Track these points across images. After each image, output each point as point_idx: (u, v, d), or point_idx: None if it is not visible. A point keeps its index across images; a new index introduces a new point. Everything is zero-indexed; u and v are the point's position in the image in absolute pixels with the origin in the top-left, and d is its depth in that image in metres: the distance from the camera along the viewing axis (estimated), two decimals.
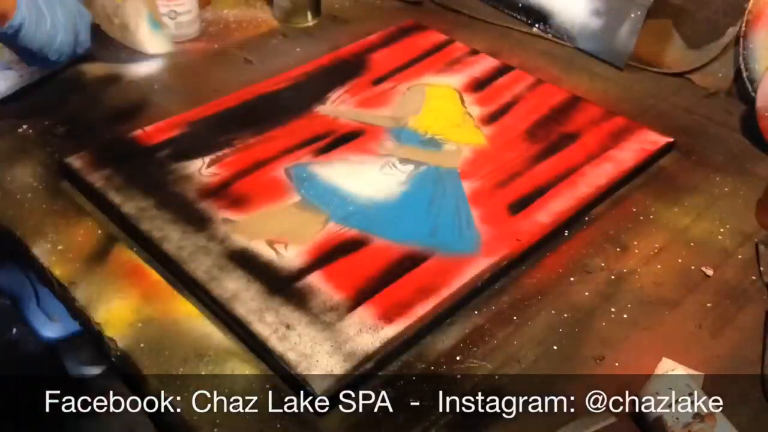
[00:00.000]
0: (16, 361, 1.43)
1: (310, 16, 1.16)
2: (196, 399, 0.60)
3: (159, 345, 0.64)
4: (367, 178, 0.82)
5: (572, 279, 0.73)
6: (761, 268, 0.75)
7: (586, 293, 0.72)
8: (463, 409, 0.61)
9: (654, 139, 0.90)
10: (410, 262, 0.71)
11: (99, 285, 0.70)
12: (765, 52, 0.96)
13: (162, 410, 0.62)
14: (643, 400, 0.58)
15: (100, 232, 0.76)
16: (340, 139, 0.88)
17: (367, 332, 0.64)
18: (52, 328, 1.22)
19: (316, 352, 0.62)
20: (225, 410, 0.59)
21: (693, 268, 0.75)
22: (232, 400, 0.60)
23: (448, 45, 1.09)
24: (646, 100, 1.02)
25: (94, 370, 1.45)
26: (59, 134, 0.89)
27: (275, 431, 0.58)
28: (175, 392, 0.60)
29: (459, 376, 0.63)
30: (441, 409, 0.60)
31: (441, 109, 0.95)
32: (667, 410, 0.56)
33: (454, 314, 0.69)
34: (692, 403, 0.55)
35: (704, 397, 0.56)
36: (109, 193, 0.78)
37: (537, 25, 1.16)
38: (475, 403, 0.61)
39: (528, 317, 0.69)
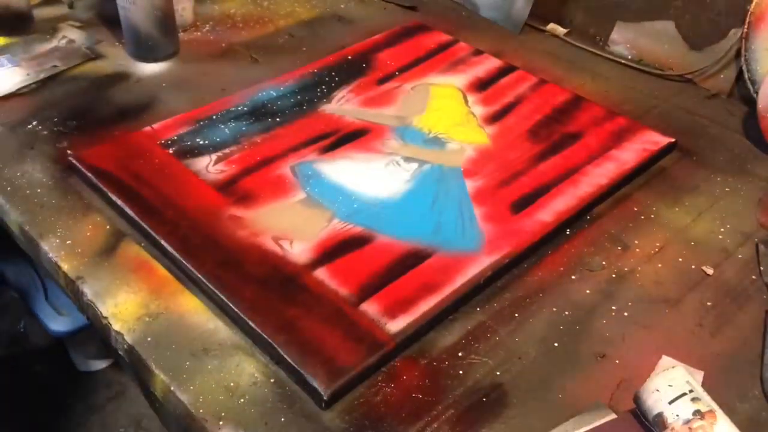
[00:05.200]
0: (25, 355, 1.44)
1: None
2: (202, 393, 0.61)
3: (166, 339, 0.65)
4: (371, 176, 0.83)
5: (573, 277, 0.74)
6: (761, 268, 0.76)
7: (587, 291, 0.73)
8: (465, 404, 0.61)
9: (656, 140, 0.90)
10: (413, 259, 0.72)
11: (107, 280, 0.71)
12: (767, 54, 0.96)
13: (168, 404, 0.63)
14: (644, 397, 0.58)
15: (108, 227, 0.77)
16: (345, 138, 0.89)
17: (371, 328, 0.65)
18: (60, 321, 1.22)
19: (320, 346, 0.63)
20: (230, 404, 0.60)
21: (693, 267, 0.76)
22: (237, 393, 0.61)
23: (453, 45, 1.09)
24: (648, 101, 1.02)
25: (102, 364, 1.46)
26: (68, 130, 0.90)
27: (280, 425, 0.59)
28: (181, 386, 0.61)
29: (461, 372, 0.64)
30: (443, 405, 0.61)
31: (445, 109, 0.96)
32: (668, 407, 0.56)
33: (456, 311, 0.69)
34: (692, 400, 0.55)
35: (704, 395, 0.57)
36: (117, 189, 0.79)
37: None
38: (477, 398, 0.62)
39: (529, 314, 0.70)
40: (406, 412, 0.60)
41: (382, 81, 1.00)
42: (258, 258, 0.72)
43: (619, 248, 0.78)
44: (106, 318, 0.67)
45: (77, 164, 0.82)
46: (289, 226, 0.75)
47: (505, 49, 1.12)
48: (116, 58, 1.05)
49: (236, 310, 0.66)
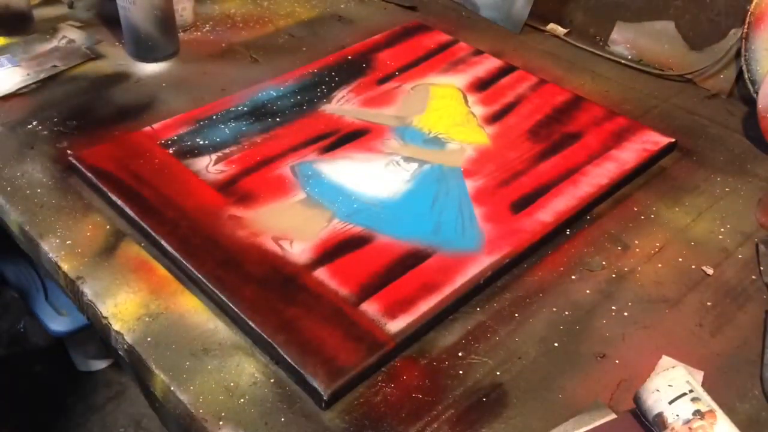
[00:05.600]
0: (25, 355, 1.44)
1: None
2: (202, 393, 0.61)
3: (166, 339, 0.65)
4: (371, 176, 0.83)
5: (573, 277, 0.74)
6: (761, 268, 0.76)
7: (587, 291, 0.73)
8: (465, 404, 0.61)
9: (656, 139, 0.91)
10: (413, 259, 0.72)
11: (107, 280, 0.71)
12: (767, 54, 0.96)
13: (168, 404, 0.63)
14: (644, 397, 0.58)
15: (108, 227, 0.77)
16: (345, 138, 0.89)
17: (371, 328, 0.65)
18: (60, 321, 1.22)
19: (320, 347, 0.63)
20: (230, 404, 0.60)
21: (693, 267, 0.76)
22: (237, 393, 0.61)
23: (453, 45, 1.09)
24: (648, 101, 1.02)
25: (101, 364, 1.46)
26: (68, 130, 0.90)
27: (279, 425, 0.59)
28: (181, 386, 0.61)
29: (461, 372, 0.64)
30: (443, 405, 0.61)
31: (445, 109, 0.96)
32: (668, 407, 0.56)
33: (456, 311, 0.69)
34: (692, 400, 0.56)
35: (704, 395, 0.57)
36: (117, 189, 0.79)
37: None
38: (477, 398, 0.62)
39: (529, 314, 0.70)
40: (406, 412, 0.60)
41: (382, 81, 1.01)
42: (258, 258, 0.72)
43: (619, 248, 0.78)
44: (106, 318, 0.67)
45: (77, 164, 0.82)
46: (289, 226, 0.76)
47: (505, 49, 1.12)
48: (116, 58, 1.05)
49: (236, 310, 0.66)
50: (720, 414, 0.55)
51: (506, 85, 1.01)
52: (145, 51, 1.03)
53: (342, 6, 1.23)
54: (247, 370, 0.63)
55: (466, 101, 0.97)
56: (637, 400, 0.59)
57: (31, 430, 1.38)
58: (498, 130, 0.92)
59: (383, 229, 0.76)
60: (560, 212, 0.79)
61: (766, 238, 0.79)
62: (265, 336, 0.64)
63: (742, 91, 1.01)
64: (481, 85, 1.00)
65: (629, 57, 1.11)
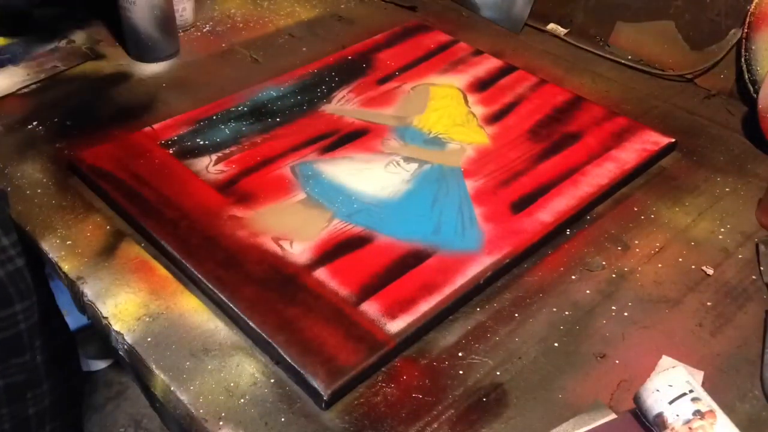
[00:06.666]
0: None
1: None
2: (202, 393, 0.61)
3: (166, 339, 0.65)
4: (371, 176, 0.83)
5: (573, 277, 0.74)
6: (761, 268, 0.76)
7: (587, 291, 0.73)
8: (465, 404, 0.61)
9: (656, 140, 0.91)
10: (413, 259, 0.72)
11: (107, 280, 0.71)
12: (767, 54, 0.96)
13: (168, 404, 0.63)
14: (644, 397, 0.58)
15: (108, 227, 0.77)
16: (345, 138, 0.89)
17: (371, 328, 0.65)
18: None
19: (320, 347, 0.63)
20: (230, 404, 0.60)
21: (693, 267, 0.76)
22: (237, 393, 0.61)
23: (453, 45, 1.09)
24: (648, 101, 1.02)
25: (102, 364, 1.46)
26: (68, 130, 0.90)
27: (279, 425, 0.59)
28: (181, 386, 0.61)
29: (461, 372, 0.64)
30: (443, 405, 0.61)
31: (445, 109, 0.96)
32: (668, 407, 0.56)
33: (456, 311, 0.70)
34: (692, 400, 0.56)
35: (704, 395, 0.57)
36: (117, 189, 0.79)
37: None
38: (477, 398, 0.62)
39: (529, 314, 0.70)
40: (406, 412, 0.60)
41: (382, 81, 1.01)
42: (258, 258, 0.72)
43: (619, 248, 0.78)
44: (106, 318, 0.67)
45: (77, 164, 0.82)
46: (289, 226, 0.76)
47: (505, 49, 1.12)
48: (116, 58, 1.05)
49: (236, 310, 0.66)
50: (720, 414, 0.55)
51: (506, 85, 1.01)
52: (145, 51, 1.03)
53: (342, 6, 1.23)
54: (247, 370, 0.63)
55: (466, 101, 0.97)
56: (637, 400, 0.59)
57: None
58: (498, 130, 0.92)
59: (383, 229, 0.76)
60: (560, 212, 0.79)
61: (766, 238, 0.79)
62: (265, 336, 0.64)
63: (742, 91, 1.01)
64: (481, 86, 1.00)
65: (629, 57, 1.11)
